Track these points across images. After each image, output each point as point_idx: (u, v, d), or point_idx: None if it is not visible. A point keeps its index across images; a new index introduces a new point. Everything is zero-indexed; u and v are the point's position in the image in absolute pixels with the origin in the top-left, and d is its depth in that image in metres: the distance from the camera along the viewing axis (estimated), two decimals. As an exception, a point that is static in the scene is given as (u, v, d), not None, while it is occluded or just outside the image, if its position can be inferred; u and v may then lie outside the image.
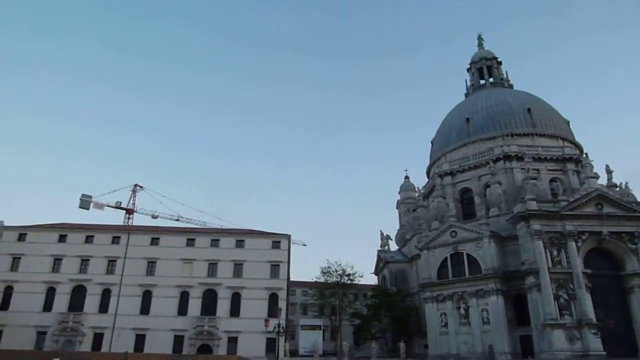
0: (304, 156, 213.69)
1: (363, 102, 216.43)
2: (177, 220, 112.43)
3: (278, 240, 62.85)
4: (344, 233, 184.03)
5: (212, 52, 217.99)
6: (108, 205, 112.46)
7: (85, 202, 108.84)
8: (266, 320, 45.44)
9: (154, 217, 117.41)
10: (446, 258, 58.79)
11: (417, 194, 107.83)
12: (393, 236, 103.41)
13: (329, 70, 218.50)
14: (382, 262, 73.19)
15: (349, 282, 65.94)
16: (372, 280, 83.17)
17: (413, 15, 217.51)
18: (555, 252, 52.67)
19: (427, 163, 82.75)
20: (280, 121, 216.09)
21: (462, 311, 55.73)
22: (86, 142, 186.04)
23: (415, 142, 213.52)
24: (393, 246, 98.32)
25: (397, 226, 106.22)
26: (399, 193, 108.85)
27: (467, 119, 73.02)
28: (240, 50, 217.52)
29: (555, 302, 50.12)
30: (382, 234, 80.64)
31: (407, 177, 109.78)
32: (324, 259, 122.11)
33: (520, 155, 64.93)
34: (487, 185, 66.93)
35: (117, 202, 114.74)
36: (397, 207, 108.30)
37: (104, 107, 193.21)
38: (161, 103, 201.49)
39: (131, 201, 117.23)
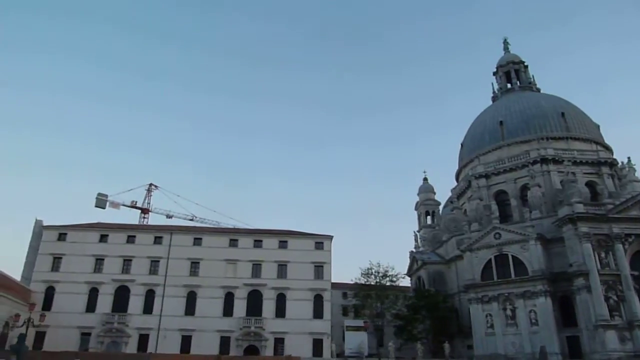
0: (315, 158, 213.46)
1: (369, 116, 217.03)
2: (191, 220, 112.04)
3: (321, 241, 62.83)
4: (360, 234, 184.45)
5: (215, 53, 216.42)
6: (124, 205, 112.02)
7: (101, 201, 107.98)
8: None
9: (169, 216, 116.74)
10: (490, 259, 59.50)
11: (435, 195, 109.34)
12: (415, 237, 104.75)
13: (336, 84, 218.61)
14: (417, 263, 73.66)
15: (389, 284, 66.18)
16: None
17: (426, 24, 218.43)
18: (602, 254, 53.76)
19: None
20: (288, 120, 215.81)
21: (509, 312, 56.47)
22: (94, 142, 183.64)
23: (418, 145, 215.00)
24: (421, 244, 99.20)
25: (416, 227, 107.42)
26: (418, 195, 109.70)
27: (501, 122, 73.92)
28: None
29: (605, 303, 51.13)
30: (416, 235, 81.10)
31: (425, 179, 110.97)
32: (345, 261, 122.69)
33: (557, 158, 66.00)
34: (523, 188, 67.94)
35: (133, 201, 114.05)
36: (415, 209, 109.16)
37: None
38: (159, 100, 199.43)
39: (146, 200, 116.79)
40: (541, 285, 54.70)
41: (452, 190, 79.75)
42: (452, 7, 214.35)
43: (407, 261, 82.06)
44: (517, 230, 58.46)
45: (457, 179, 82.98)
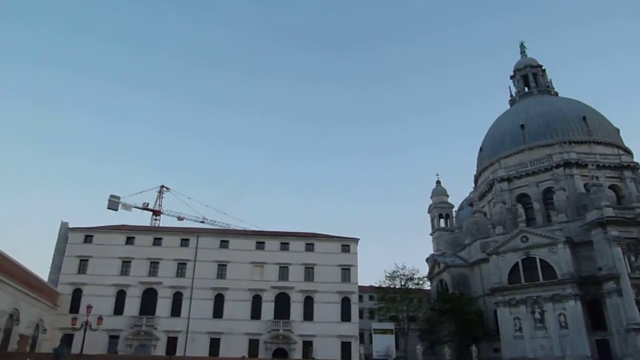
0: (309, 167, 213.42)
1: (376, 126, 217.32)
2: (202, 222, 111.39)
3: (347, 244, 62.80)
4: (369, 239, 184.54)
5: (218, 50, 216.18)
6: (136, 207, 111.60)
7: (113, 203, 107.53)
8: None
9: (180, 218, 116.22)
10: (517, 263, 59.67)
11: (448, 198, 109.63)
12: (430, 240, 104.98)
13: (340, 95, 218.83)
14: (439, 266, 73.75)
15: (414, 287, 66.28)
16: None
17: (436, 31, 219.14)
18: (632, 258, 54.02)
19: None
20: (294, 120, 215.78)
21: (537, 315, 56.61)
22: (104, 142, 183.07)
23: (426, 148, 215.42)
24: (435, 248, 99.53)
25: (430, 230, 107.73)
26: (431, 198, 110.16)
27: (522, 126, 74.25)
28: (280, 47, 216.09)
29: (637, 307, 51.36)
30: (436, 238, 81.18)
31: (438, 182, 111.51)
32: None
33: (580, 162, 66.35)
34: (545, 191, 68.29)
35: (145, 203, 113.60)
36: (428, 212, 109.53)
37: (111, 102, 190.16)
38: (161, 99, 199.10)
39: (158, 202, 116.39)
40: (571, 288, 54.88)
41: (472, 193, 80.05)
42: (461, 12, 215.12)
43: (417, 264, 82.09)
44: (545, 233, 58.65)
45: (475, 182, 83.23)
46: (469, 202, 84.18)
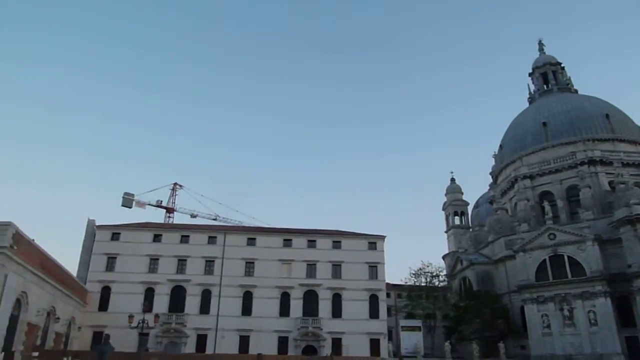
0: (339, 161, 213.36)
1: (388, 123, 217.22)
2: (214, 219, 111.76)
3: (374, 242, 62.85)
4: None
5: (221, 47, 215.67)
6: (149, 204, 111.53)
7: (127, 201, 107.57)
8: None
9: (193, 216, 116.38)
10: (544, 260, 59.80)
11: (463, 196, 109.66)
12: (445, 237, 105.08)
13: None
14: (462, 263, 73.87)
15: (441, 284, 66.41)
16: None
17: (445, 28, 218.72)
18: (662, 255, 54.10)
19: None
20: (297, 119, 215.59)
21: (566, 312, 56.75)
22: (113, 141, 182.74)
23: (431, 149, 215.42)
24: (450, 245, 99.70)
25: (444, 227, 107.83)
26: (446, 195, 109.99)
27: (544, 124, 74.28)
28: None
29: (668, 303, 51.56)
30: (453, 235, 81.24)
31: (452, 179, 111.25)
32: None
33: (604, 160, 66.45)
34: (569, 189, 68.40)
35: (158, 200, 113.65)
36: (443, 209, 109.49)
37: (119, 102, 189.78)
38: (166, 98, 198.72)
39: (171, 200, 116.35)
40: (600, 285, 55.04)
41: (492, 190, 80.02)
42: (475, 9, 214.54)
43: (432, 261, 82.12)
44: (573, 231, 58.75)
45: (495, 180, 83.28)
46: (488, 200, 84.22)
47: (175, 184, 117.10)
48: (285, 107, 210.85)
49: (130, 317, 40.14)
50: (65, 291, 47.82)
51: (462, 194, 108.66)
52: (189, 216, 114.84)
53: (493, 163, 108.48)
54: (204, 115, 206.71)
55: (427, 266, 67.97)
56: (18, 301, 36.92)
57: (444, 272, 75.29)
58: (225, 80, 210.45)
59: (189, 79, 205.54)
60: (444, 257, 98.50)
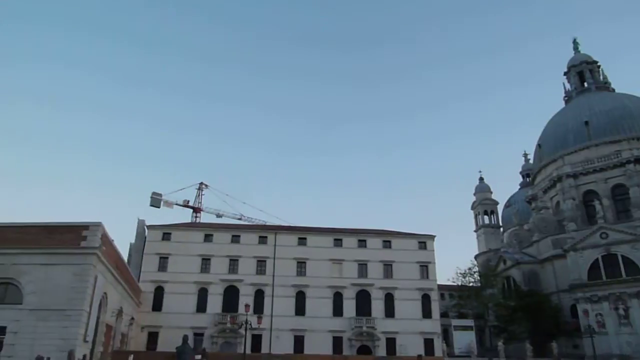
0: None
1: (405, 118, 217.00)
2: (239, 219, 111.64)
3: (424, 241, 62.74)
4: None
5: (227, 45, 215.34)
6: (177, 204, 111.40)
7: (156, 200, 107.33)
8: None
9: (219, 215, 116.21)
10: (597, 259, 59.65)
11: (492, 195, 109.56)
12: (475, 236, 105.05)
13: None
14: (505, 262, 73.73)
15: (472, 284, 66.40)
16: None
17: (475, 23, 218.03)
18: None
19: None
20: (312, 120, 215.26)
21: (622, 312, 56.58)
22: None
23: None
24: (480, 244, 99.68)
25: (474, 227, 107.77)
26: (474, 195, 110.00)
27: (586, 122, 74.13)
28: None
29: None
30: (503, 234, 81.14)
31: (481, 179, 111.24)
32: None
33: (651, 158, 66.30)
34: (614, 188, 68.27)
35: (185, 200, 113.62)
36: (472, 208, 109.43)
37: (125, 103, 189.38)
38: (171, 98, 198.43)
39: (198, 199, 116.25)
40: (657, 285, 54.92)
41: (533, 189, 79.97)
42: (492, 6, 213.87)
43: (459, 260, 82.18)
44: (627, 230, 58.61)
45: (532, 179, 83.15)
46: (525, 199, 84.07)
47: (201, 183, 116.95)
48: (288, 104, 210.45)
49: (232, 317, 39.93)
50: (129, 292, 47.73)
51: (492, 193, 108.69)
52: (215, 215, 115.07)
53: (523, 162, 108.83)
54: (204, 115, 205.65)
55: (473, 267, 67.73)
56: (99, 302, 36.84)
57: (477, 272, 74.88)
58: (226, 80, 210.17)
59: (191, 78, 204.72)
60: (476, 257, 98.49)
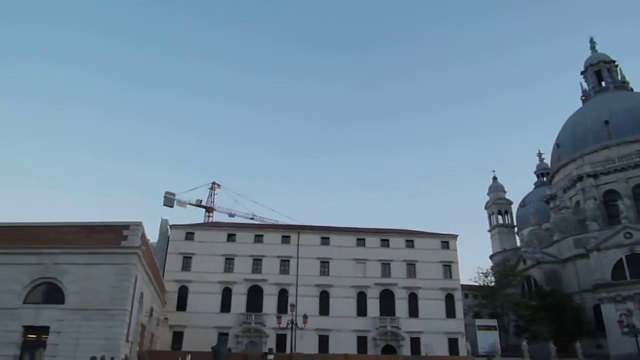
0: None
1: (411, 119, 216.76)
2: (251, 218, 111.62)
3: (446, 241, 62.61)
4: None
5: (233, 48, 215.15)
6: (190, 203, 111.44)
7: (169, 200, 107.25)
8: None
9: (231, 215, 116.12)
10: (621, 259, 59.49)
11: (505, 194, 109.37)
12: (489, 236, 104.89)
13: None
14: (525, 262, 73.56)
15: (512, 284, 66.18)
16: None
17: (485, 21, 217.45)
18: None
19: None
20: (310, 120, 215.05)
21: (647, 312, 56.41)
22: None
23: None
24: (494, 244, 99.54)
25: (487, 226, 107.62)
26: (488, 194, 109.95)
27: (606, 122, 73.91)
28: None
29: None
30: (522, 235, 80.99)
31: (495, 178, 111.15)
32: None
33: (673, 158, 66.10)
34: (635, 187, 68.06)
35: (198, 199, 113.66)
36: (485, 208, 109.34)
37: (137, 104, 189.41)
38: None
39: (210, 199, 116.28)
40: (683, 284, 54.77)
41: (552, 189, 79.75)
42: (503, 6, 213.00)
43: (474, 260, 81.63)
44: (652, 230, 58.49)
45: (550, 178, 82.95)
46: (542, 198, 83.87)
47: (214, 183, 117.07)
48: (290, 105, 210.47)
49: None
50: (158, 291, 47.78)
51: (505, 192, 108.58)
52: (227, 215, 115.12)
53: (537, 162, 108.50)
54: (204, 115, 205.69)
55: (494, 266, 67.61)
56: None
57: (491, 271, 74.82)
58: (227, 80, 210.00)
59: (192, 78, 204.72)
60: (491, 257, 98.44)
